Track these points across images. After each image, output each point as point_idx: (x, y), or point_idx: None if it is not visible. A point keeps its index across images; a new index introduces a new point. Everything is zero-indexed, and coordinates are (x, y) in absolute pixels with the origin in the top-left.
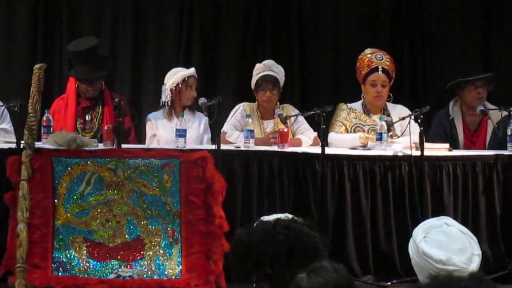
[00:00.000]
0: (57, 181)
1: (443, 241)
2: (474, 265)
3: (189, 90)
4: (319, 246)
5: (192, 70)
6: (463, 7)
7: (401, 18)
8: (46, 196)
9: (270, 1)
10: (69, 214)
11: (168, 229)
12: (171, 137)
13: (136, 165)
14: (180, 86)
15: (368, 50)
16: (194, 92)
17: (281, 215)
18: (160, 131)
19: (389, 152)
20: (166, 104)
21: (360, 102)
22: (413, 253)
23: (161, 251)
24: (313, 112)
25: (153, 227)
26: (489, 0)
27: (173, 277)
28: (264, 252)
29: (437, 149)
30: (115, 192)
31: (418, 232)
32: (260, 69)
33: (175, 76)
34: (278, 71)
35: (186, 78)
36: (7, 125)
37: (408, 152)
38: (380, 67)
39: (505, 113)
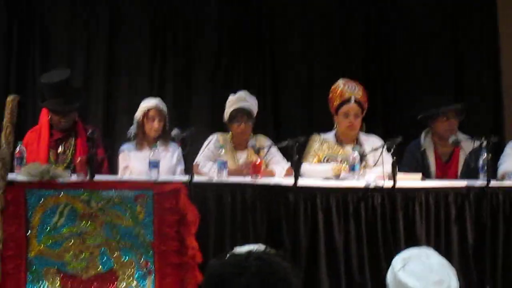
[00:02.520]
0: (30, 213)
1: (421, 271)
2: None
3: (151, 123)
4: (292, 278)
5: (153, 102)
6: (435, 38)
7: (373, 49)
8: (19, 228)
9: (243, 32)
10: (42, 246)
11: (141, 260)
12: (143, 168)
13: (109, 196)
14: (141, 119)
15: (340, 81)
16: (157, 123)
17: (254, 246)
18: (133, 163)
19: (361, 183)
20: (133, 136)
21: (333, 132)
22: (390, 281)
23: (135, 283)
24: (286, 143)
25: (126, 259)
26: (459, 31)
27: None
28: (236, 284)
29: (410, 180)
30: (88, 223)
31: (397, 261)
32: (234, 101)
33: (140, 108)
34: (252, 102)
35: (147, 111)
36: None
37: (380, 183)
38: (352, 97)
39: (477, 143)
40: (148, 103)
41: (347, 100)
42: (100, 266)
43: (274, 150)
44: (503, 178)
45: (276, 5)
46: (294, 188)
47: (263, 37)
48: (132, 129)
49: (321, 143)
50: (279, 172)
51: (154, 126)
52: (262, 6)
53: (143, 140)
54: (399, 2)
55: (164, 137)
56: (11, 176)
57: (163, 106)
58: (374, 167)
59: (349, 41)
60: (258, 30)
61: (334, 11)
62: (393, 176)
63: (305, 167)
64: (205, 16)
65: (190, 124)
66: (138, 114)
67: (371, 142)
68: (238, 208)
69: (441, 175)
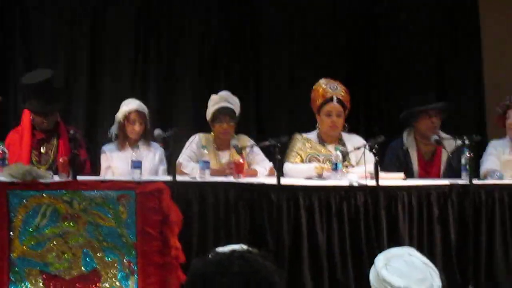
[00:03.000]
0: (12, 214)
1: (404, 270)
2: None
3: (131, 125)
4: (275, 277)
5: (134, 105)
6: (417, 36)
7: (356, 48)
8: (2, 228)
9: (225, 31)
10: (24, 247)
11: (124, 260)
12: (125, 169)
13: (92, 197)
14: (122, 121)
15: (322, 80)
16: (138, 127)
17: (237, 246)
18: (115, 163)
19: (344, 182)
20: (114, 137)
21: (315, 132)
22: (373, 279)
23: (118, 283)
24: (268, 142)
25: (109, 259)
26: (442, 30)
27: None
28: (219, 283)
29: (392, 179)
30: (71, 224)
31: (380, 259)
32: (216, 101)
33: (120, 110)
34: (234, 103)
35: (128, 114)
36: None
37: (363, 182)
38: (334, 97)
39: (459, 142)
40: (129, 106)
41: (330, 100)
42: (83, 267)
43: (257, 150)
44: (485, 176)
45: (260, 4)
46: (277, 187)
47: (246, 37)
48: (113, 130)
49: (304, 142)
50: (261, 172)
51: (135, 129)
52: (246, 5)
53: (124, 140)
54: (384, 3)
55: (145, 137)
56: None
57: (143, 109)
58: (356, 167)
59: (333, 41)
60: (242, 30)
61: (318, 10)
62: (375, 175)
63: (287, 166)
64: (190, 15)
65: (173, 124)
66: (119, 116)
67: (354, 141)
68: (221, 208)
69: (423, 174)
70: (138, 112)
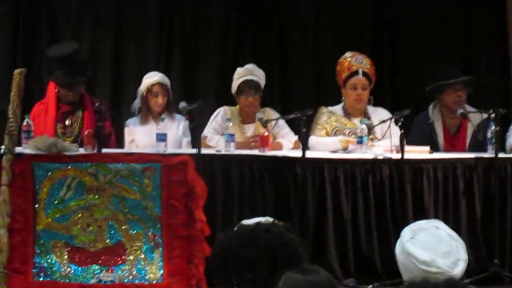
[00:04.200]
0: (37, 186)
1: (430, 243)
2: (459, 269)
3: (154, 98)
4: (300, 250)
5: (156, 78)
6: (443, 10)
7: (382, 21)
8: (27, 201)
9: (250, 5)
10: (50, 219)
11: (149, 233)
12: (149, 142)
13: (117, 169)
14: (145, 94)
15: (348, 54)
16: (161, 99)
17: (262, 219)
18: (138, 137)
19: (369, 155)
20: (137, 110)
21: (340, 105)
22: (399, 252)
23: (142, 256)
24: (293, 115)
25: (134, 232)
26: (470, 4)
27: (155, 282)
28: (244, 256)
29: (418, 152)
30: (96, 197)
31: (406, 232)
32: (242, 74)
33: (143, 83)
34: (259, 75)
35: (150, 86)
36: None
37: (388, 155)
38: (360, 70)
39: (485, 115)
40: (151, 79)
41: (355, 73)
42: (108, 239)
43: (282, 123)
44: (511, 150)
45: None
46: (302, 160)
47: (272, 10)
48: (136, 104)
49: (329, 115)
50: (286, 145)
51: (158, 102)
52: None
53: (148, 114)
54: None
55: (169, 110)
56: (18, 149)
57: (166, 81)
58: (382, 140)
59: (359, 13)
60: (267, 2)
61: None
62: (401, 149)
63: (312, 139)
64: None
65: (198, 96)
66: (142, 89)
67: (379, 114)
68: (246, 180)
69: (449, 148)
70: (160, 84)
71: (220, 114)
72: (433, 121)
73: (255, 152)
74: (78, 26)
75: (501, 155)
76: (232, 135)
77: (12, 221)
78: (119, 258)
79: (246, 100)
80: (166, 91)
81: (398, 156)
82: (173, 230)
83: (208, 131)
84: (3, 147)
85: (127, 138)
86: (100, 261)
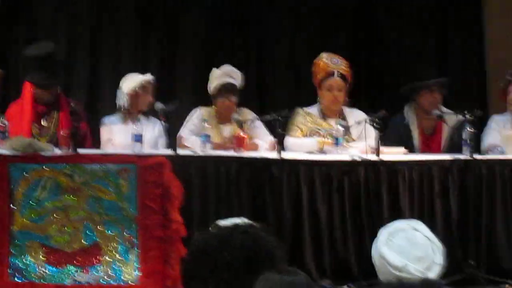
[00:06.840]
0: (13, 186)
1: (405, 246)
2: (432, 274)
3: (145, 95)
4: (276, 251)
5: (149, 76)
6: (419, 10)
7: (358, 22)
8: (3, 201)
9: (228, 6)
10: (25, 220)
11: (125, 234)
12: (127, 142)
13: (93, 170)
14: (137, 90)
15: (324, 54)
16: (150, 97)
17: (238, 220)
18: (116, 136)
19: (345, 156)
20: (122, 108)
21: (316, 106)
22: (374, 254)
23: (118, 256)
24: (270, 116)
25: (110, 232)
26: (445, 4)
27: (130, 282)
28: (220, 257)
29: (393, 153)
30: (72, 197)
31: (383, 234)
32: (219, 75)
33: (132, 80)
34: (237, 77)
35: (143, 83)
36: None
37: (364, 156)
38: (336, 71)
39: (460, 117)
40: (143, 77)
41: (331, 74)
42: (84, 240)
43: (258, 124)
44: (487, 151)
45: None
46: (278, 161)
47: (248, 11)
48: (122, 101)
49: (305, 116)
50: (263, 146)
51: (148, 99)
52: None
53: (131, 113)
54: None
55: (146, 111)
56: None
57: (154, 79)
58: (357, 141)
59: (336, 13)
60: (244, 3)
61: None
62: (376, 150)
63: (288, 140)
64: None
65: (174, 97)
66: (132, 86)
67: (355, 115)
68: (222, 181)
69: (425, 149)
70: (151, 83)
71: (196, 114)
72: (408, 122)
73: (232, 153)
74: (54, 26)
75: (476, 156)
76: (208, 136)
77: None
78: (95, 259)
79: (224, 103)
80: (153, 90)
81: (374, 157)
82: (149, 231)
83: (184, 131)
84: None
85: (103, 136)
86: (76, 262)
